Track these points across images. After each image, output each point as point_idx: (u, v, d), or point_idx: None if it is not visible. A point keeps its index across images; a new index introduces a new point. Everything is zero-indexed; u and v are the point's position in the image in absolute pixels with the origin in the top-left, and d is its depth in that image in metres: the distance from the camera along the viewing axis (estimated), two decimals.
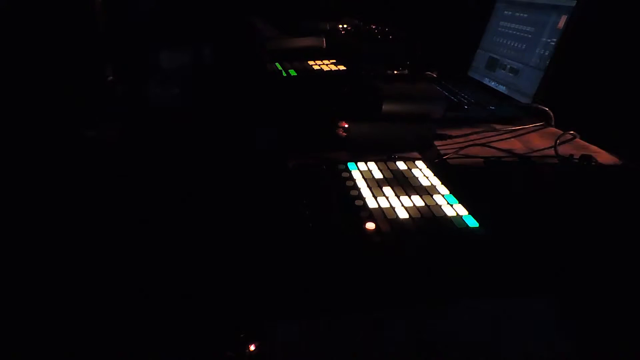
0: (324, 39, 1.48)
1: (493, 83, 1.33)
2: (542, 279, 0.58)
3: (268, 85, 1.30)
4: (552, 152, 0.93)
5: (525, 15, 1.28)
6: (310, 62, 1.35)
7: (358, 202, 0.68)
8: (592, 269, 0.59)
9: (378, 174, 0.77)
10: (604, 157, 0.92)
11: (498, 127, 1.08)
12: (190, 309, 0.79)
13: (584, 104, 1.08)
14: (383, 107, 0.89)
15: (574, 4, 1.09)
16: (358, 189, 0.72)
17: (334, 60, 1.36)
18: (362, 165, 0.80)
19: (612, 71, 1.10)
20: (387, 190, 0.72)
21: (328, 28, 1.70)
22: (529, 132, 1.06)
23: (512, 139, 1.01)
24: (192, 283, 0.83)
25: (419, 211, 0.66)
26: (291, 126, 1.03)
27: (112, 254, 1.03)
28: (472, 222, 0.64)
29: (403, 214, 0.65)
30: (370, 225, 0.62)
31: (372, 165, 0.80)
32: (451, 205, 0.68)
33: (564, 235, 0.65)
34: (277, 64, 1.33)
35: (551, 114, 1.08)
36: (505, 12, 1.39)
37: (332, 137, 0.91)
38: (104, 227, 1.12)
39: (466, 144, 0.97)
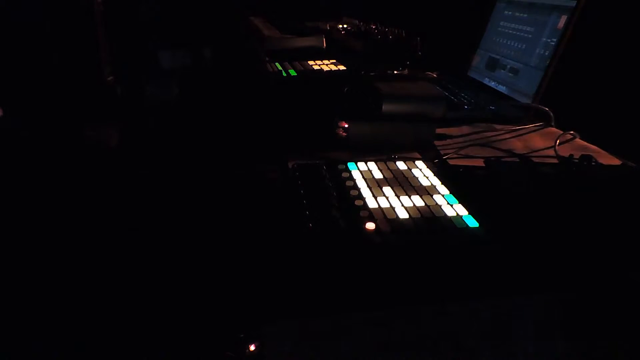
0: (324, 39, 1.48)
1: (493, 83, 1.33)
2: (542, 279, 0.58)
3: (268, 85, 1.30)
4: (552, 152, 0.93)
5: (525, 15, 1.28)
6: (310, 62, 1.35)
7: (358, 202, 0.68)
8: (592, 269, 0.59)
9: (378, 174, 0.77)
10: (604, 157, 0.92)
11: (498, 127, 1.08)
12: (190, 310, 0.79)
13: (584, 104, 1.09)
14: (383, 107, 0.89)
15: (574, 4, 1.09)
16: (358, 189, 0.72)
17: (334, 60, 1.36)
18: (362, 165, 0.80)
19: (612, 71, 1.10)
20: (387, 190, 0.72)
21: (328, 28, 1.70)
22: (529, 132, 1.06)
23: (512, 139, 1.01)
24: (192, 283, 0.83)
25: (419, 211, 0.66)
26: (291, 126, 1.03)
27: (112, 255, 1.03)
28: (472, 222, 0.64)
29: (403, 214, 0.65)
30: (370, 225, 0.62)
31: (372, 165, 0.80)
32: (451, 205, 0.68)
33: (564, 235, 0.65)
34: (277, 64, 1.33)
35: (551, 114, 1.08)
36: (505, 12, 1.39)
37: (332, 137, 0.91)
38: (104, 228, 1.12)
39: (466, 144, 0.97)
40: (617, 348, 0.49)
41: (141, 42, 2.02)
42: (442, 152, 0.93)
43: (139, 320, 0.84)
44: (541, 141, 1.00)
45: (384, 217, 0.64)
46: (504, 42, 1.34)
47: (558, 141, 0.95)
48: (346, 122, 0.90)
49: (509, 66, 1.28)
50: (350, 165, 0.80)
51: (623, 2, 1.09)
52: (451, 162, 0.88)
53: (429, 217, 0.65)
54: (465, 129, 1.05)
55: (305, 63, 1.33)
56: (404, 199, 0.69)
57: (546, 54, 1.14)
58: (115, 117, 1.68)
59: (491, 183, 0.81)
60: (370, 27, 1.50)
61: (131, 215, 1.14)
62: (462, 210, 0.66)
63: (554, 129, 1.07)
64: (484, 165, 0.87)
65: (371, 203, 0.68)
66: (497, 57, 1.35)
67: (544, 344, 0.49)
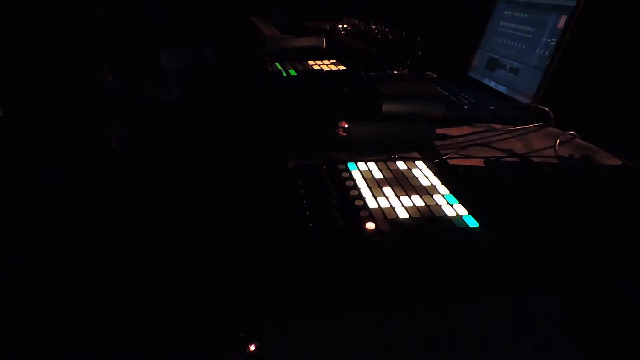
0: (324, 39, 1.48)
1: (493, 83, 1.33)
2: (542, 279, 0.58)
3: (268, 85, 1.30)
4: (552, 152, 0.93)
5: (525, 15, 1.28)
6: (310, 62, 1.35)
7: (358, 202, 0.68)
8: (592, 269, 0.59)
9: (378, 174, 0.77)
10: (604, 157, 0.92)
11: (498, 127, 1.08)
12: (190, 309, 0.79)
13: (584, 104, 1.08)
14: (383, 107, 0.89)
15: (574, 4, 1.09)
16: (358, 189, 0.72)
17: (334, 60, 1.36)
18: (362, 165, 0.80)
19: (612, 71, 1.10)
20: (387, 190, 0.72)
21: (328, 28, 1.70)
22: (529, 132, 1.06)
23: (512, 139, 1.01)
24: (192, 283, 0.83)
25: (419, 211, 0.66)
26: (291, 126, 1.03)
27: (112, 255, 1.03)
28: (472, 222, 0.64)
29: (403, 214, 0.65)
30: (370, 225, 0.62)
31: (372, 165, 0.80)
32: (451, 205, 0.68)
33: (563, 235, 0.65)
34: (277, 64, 1.33)
35: (551, 114, 1.08)
36: (505, 12, 1.39)
37: (332, 137, 0.91)
38: (104, 227, 1.12)
39: (466, 144, 0.97)
40: (617, 348, 0.49)
41: (141, 42, 2.02)
42: (442, 152, 0.93)
43: (139, 320, 0.84)
44: (541, 141, 1.00)
45: (384, 217, 0.64)
46: (504, 42, 1.34)
47: (558, 141, 0.95)
48: (346, 122, 0.90)
49: (509, 66, 1.28)
50: (350, 165, 0.80)
51: (623, 2, 1.09)
52: (451, 162, 0.88)
53: (429, 217, 0.65)
54: (465, 129, 1.05)
55: (305, 63, 1.34)
56: (404, 199, 0.69)
57: (546, 54, 1.14)
58: (115, 117, 1.68)
59: (491, 183, 0.81)
60: (370, 27, 1.50)
61: (131, 215, 1.14)
62: (462, 210, 0.66)
63: (554, 129, 1.07)
64: (484, 165, 0.87)
65: (371, 203, 0.68)
66: (497, 57, 1.35)
67: (543, 344, 0.49)
